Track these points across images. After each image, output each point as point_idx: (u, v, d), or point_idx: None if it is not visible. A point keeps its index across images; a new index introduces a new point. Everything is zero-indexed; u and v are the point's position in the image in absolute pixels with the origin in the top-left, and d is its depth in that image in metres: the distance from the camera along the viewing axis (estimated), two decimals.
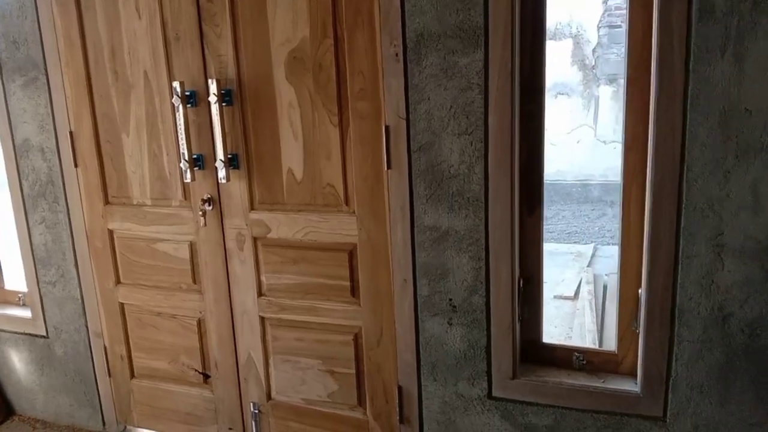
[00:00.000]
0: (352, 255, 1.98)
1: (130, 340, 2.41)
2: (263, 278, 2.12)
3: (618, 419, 1.78)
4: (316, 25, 1.83)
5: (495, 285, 1.82)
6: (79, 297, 2.43)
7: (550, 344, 1.96)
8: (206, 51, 1.98)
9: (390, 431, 2.06)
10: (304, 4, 1.83)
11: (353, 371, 2.08)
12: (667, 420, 1.73)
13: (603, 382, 1.83)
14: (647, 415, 1.75)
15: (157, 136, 2.13)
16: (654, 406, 1.74)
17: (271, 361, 2.19)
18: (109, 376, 2.47)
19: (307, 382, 2.15)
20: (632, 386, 1.79)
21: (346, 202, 1.95)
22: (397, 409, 2.03)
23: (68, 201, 2.33)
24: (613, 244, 6.06)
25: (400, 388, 2.01)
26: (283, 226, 2.03)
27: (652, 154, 1.60)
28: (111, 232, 2.30)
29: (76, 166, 2.27)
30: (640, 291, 1.77)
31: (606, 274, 4.44)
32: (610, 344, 3.29)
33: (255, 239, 2.09)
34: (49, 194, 2.35)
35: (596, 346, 3.08)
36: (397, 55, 1.75)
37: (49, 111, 2.26)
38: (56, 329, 2.51)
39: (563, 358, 1.92)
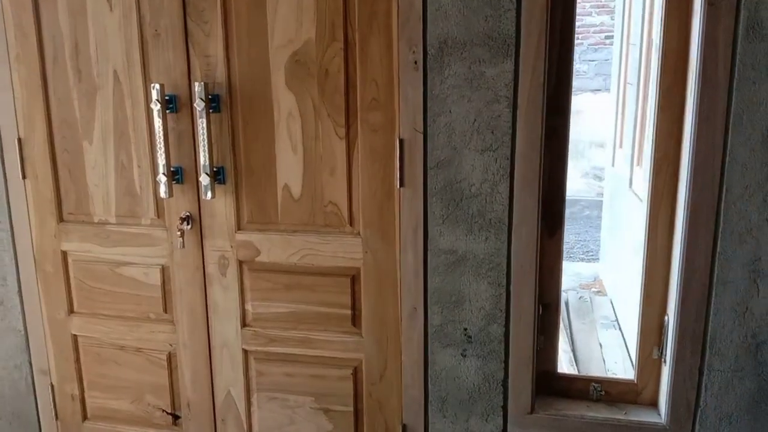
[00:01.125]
0: (354, 280, 1.79)
1: (84, 378, 2.09)
2: (249, 307, 1.89)
3: None
4: (323, 26, 1.65)
5: (515, 313, 1.69)
6: (21, 328, 2.09)
7: (566, 375, 1.86)
8: (191, 51, 1.74)
9: None
10: (310, 3, 1.64)
11: (351, 409, 1.88)
12: None
13: (625, 414, 1.73)
14: None
15: (127, 146, 1.86)
16: None
17: (254, 399, 1.95)
18: (57, 418, 2.14)
19: (296, 422, 1.93)
20: (656, 418, 1.71)
21: (351, 222, 1.76)
22: None
23: (12, 217, 2.00)
24: (569, 260, 6.10)
25: (404, 427, 1.84)
26: (275, 248, 1.82)
27: (689, 175, 1.53)
28: (65, 254, 2.00)
29: (24, 177, 1.95)
30: (665, 318, 1.69)
31: (564, 290, 4.43)
32: (586, 365, 3.29)
33: (241, 263, 1.86)
34: None
35: (574, 368, 3.01)
36: (416, 62, 1.60)
37: None
38: None
39: (580, 389, 1.81)
